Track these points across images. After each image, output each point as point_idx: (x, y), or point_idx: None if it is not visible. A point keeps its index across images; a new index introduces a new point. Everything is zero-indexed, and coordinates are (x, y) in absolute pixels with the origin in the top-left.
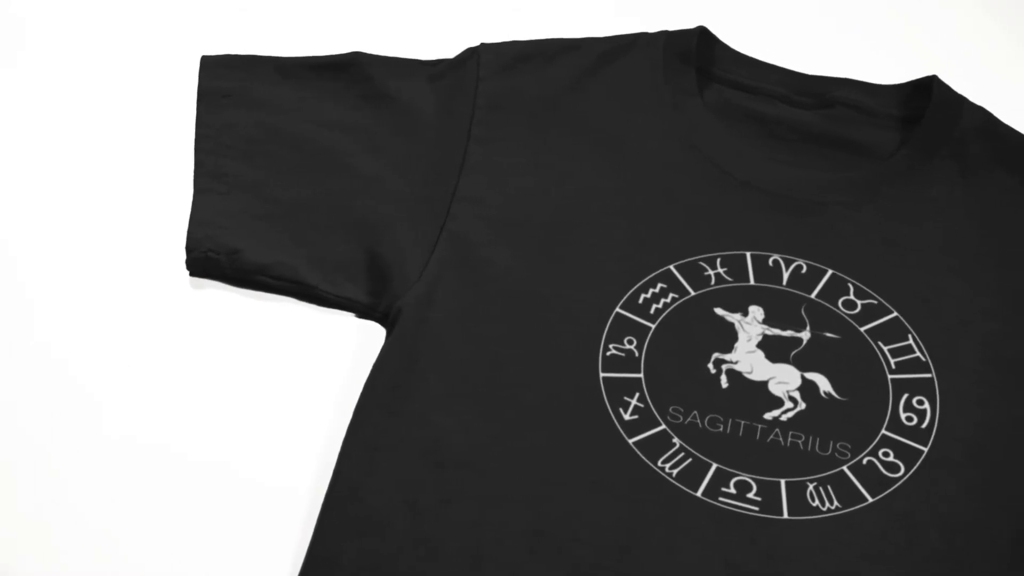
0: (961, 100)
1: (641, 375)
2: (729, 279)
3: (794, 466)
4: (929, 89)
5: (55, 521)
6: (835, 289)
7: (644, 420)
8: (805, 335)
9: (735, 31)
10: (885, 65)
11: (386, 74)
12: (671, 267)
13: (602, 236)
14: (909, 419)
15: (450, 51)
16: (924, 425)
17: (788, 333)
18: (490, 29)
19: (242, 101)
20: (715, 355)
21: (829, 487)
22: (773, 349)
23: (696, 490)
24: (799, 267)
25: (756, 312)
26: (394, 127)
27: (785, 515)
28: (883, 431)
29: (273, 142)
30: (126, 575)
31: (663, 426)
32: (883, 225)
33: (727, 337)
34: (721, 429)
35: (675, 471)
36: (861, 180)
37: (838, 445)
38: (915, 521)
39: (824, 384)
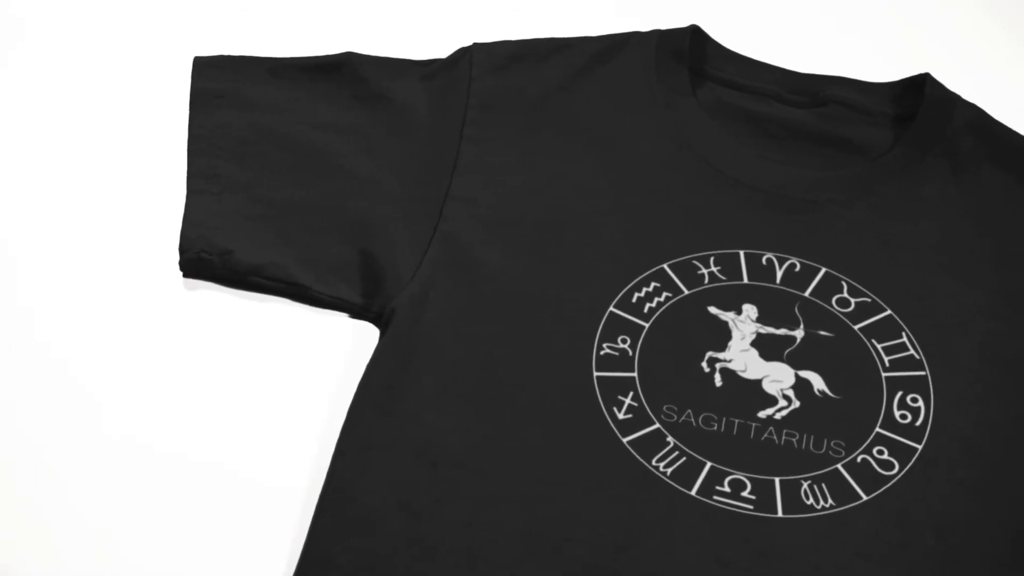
0: (954, 98)
1: (635, 374)
2: (723, 278)
3: (788, 464)
4: (922, 87)
5: (55, 521)
6: (829, 287)
7: (638, 419)
8: (799, 333)
9: (735, 31)
10: (884, 65)
11: (379, 74)
12: (664, 266)
13: (595, 235)
14: (903, 417)
15: (451, 51)
16: (918, 423)
17: (782, 331)
18: (490, 29)
19: (235, 102)
20: (709, 354)
21: (823, 485)
22: (767, 347)
23: (690, 489)
24: (792, 265)
25: (750, 310)
26: (387, 127)
27: (779, 513)
28: (877, 429)
29: (266, 143)
30: (124, 575)
31: (657, 425)
32: (876, 223)
33: (721, 336)
34: (715, 428)
35: (669, 470)
36: (854, 178)
37: (832, 443)
38: (909, 519)
39: (818, 382)
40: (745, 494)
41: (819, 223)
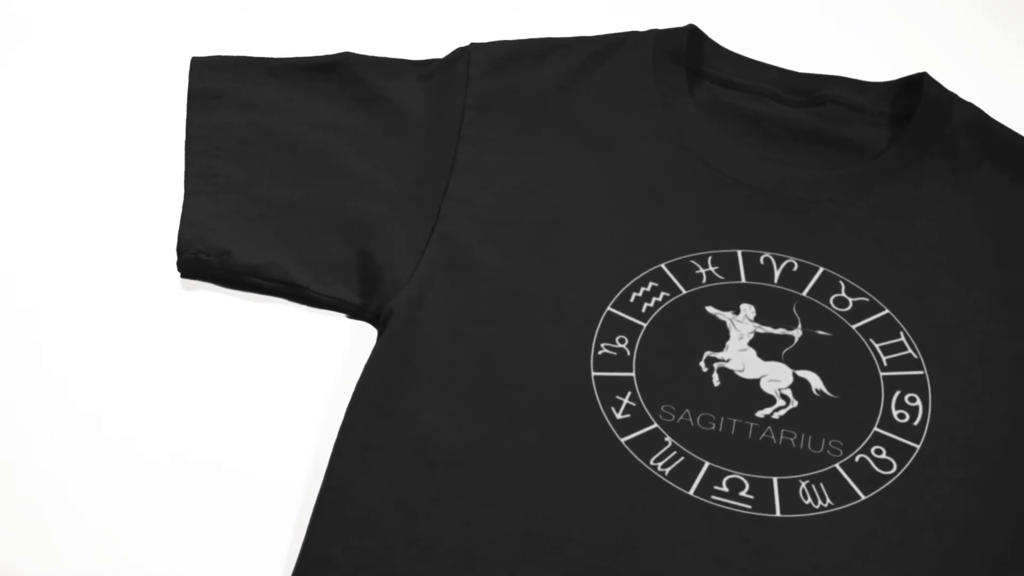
0: (951, 97)
1: (633, 374)
2: (720, 277)
3: (786, 464)
4: (919, 86)
5: (55, 521)
6: (826, 287)
7: (636, 419)
8: (797, 333)
9: (735, 31)
10: (884, 65)
11: (376, 75)
12: (662, 266)
13: (593, 235)
14: (901, 416)
15: (450, 51)
16: (916, 422)
17: (780, 331)
18: (490, 29)
19: (232, 102)
20: (707, 353)
21: (821, 485)
22: (765, 347)
23: (688, 489)
24: (790, 265)
25: (747, 310)
26: (384, 128)
27: (778, 513)
28: (875, 428)
29: (263, 143)
30: (124, 575)
31: (655, 425)
32: (874, 222)
33: (719, 335)
34: (713, 427)
35: (667, 470)
36: (852, 178)
37: (830, 443)
38: (908, 518)
39: (816, 382)
40: (743, 494)
41: (817, 223)
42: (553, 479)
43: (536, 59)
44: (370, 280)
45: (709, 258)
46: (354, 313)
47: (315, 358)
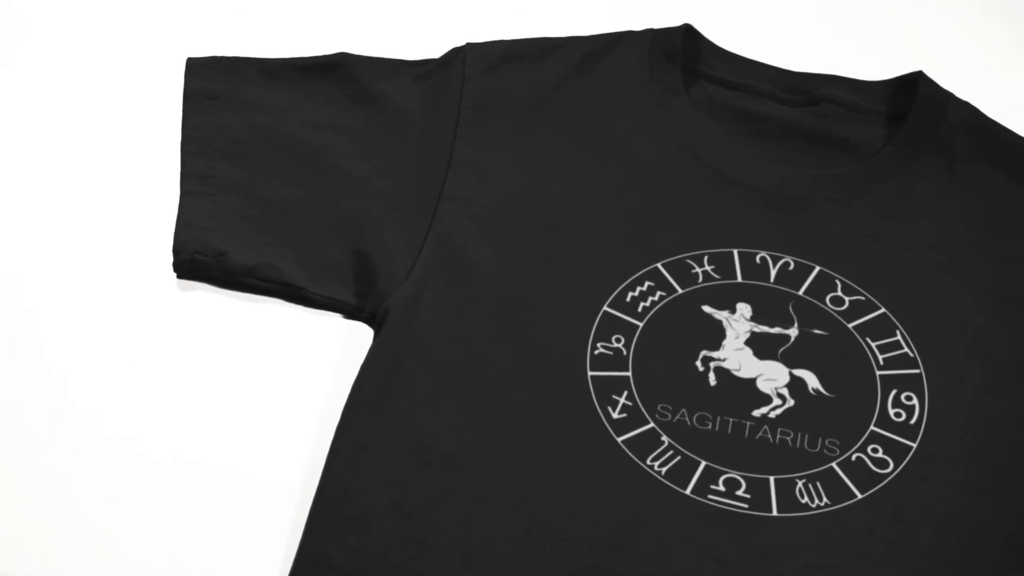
0: (947, 95)
1: (629, 373)
2: (717, 277)
3: (783, 463)
4: (915, 85)
5: (54, 521)
6: (823, 286)
7: (632, 418)
8: (793, 332)
9: (736, 31)
10: (884, 65)
11: (372, 75)
12: (658, 265)
13: (589, 235)
14: (898, 415)
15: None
16: (912, 421)
17: (776, 330)
18: (490, 29)
19: (228, 103)
20: (703, 353)
21: (818, 484)
22: (761, 346)
23: (685, 488)
24: (786, 264)
25: (744, 309)
26: (380, 128)
27: (774, 512)
28: (872, 427)
29: (259, 143)
30: (122, 575)
31: (652, 424)
32: (871, 221)
33: (715, 335)
34: (710, 427)
35: (664, 469)
36: (848, 177)
37: (827, 442)
38: (905, 517)
39: (812, 381)
40: (740, 493)
41: (813, 222)
42: (550, 479)
43: (532, 59)
44: (366, 280)
45: (705, 257)
46: (350, 313)
47: (311, 358)
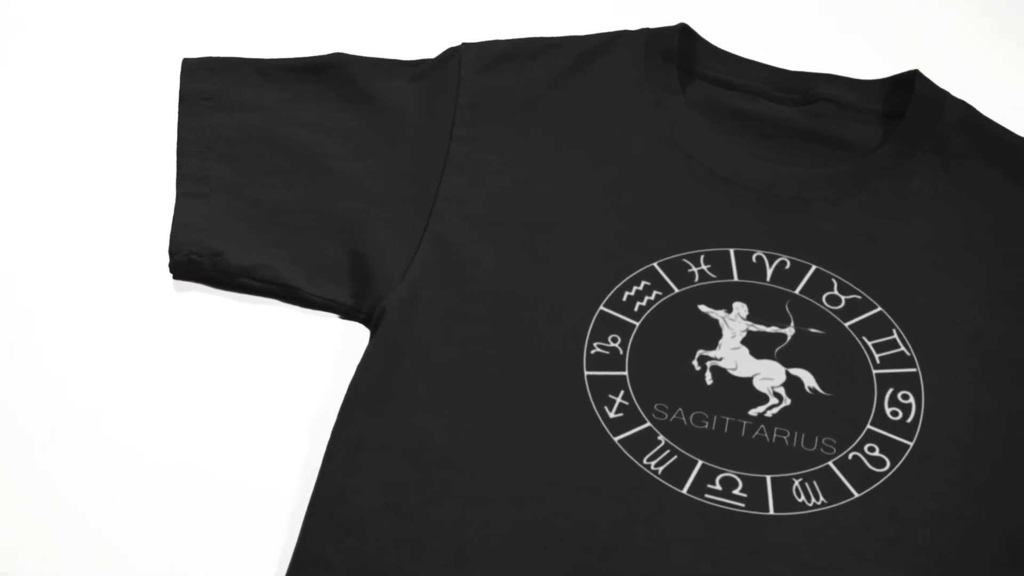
0: (943, 94)
1: (626, 373)
2: (713, 276)
3: (779, 462)
4: (911, 83)
5: (54, 521)
6: (819, 285)
7: (629, 418)
8: (789, 331)
9: (735, 31)
10: (884, 64)
11: (368, 75)
12: (655, 264)
13: (585, 234)
14: (894, 414)
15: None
16: (909, 420)
17: (772, 329)
18: (489, 29)
19: (224, 104)
20: (699, 352)
21: (815, 483)
22: (757, 345)
23: (682, 487)
24: (783, 263)
25: (740, 308)
26: (376, 128)
27: (771, 511)
28: (868, 426)
29: (255, 144)
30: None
31: (648, 424)
32: (867, 220)
33: (711, 334)
34: (706, 426)
35: (660, 469)
36: (844, 175)
37: (823, 440)
38: (902, 516)
39: (809, 380)
40: (736, 492)
41: (810, 221)
42: (546, 479)
43: (528, 59)
44: (362, 280)
45: (701, 256)
46: (346, 314)
47: (308, 359)
